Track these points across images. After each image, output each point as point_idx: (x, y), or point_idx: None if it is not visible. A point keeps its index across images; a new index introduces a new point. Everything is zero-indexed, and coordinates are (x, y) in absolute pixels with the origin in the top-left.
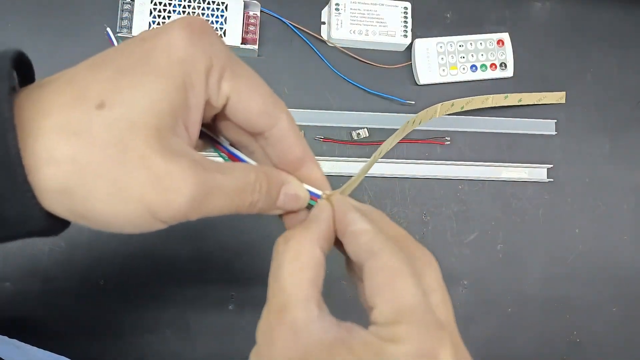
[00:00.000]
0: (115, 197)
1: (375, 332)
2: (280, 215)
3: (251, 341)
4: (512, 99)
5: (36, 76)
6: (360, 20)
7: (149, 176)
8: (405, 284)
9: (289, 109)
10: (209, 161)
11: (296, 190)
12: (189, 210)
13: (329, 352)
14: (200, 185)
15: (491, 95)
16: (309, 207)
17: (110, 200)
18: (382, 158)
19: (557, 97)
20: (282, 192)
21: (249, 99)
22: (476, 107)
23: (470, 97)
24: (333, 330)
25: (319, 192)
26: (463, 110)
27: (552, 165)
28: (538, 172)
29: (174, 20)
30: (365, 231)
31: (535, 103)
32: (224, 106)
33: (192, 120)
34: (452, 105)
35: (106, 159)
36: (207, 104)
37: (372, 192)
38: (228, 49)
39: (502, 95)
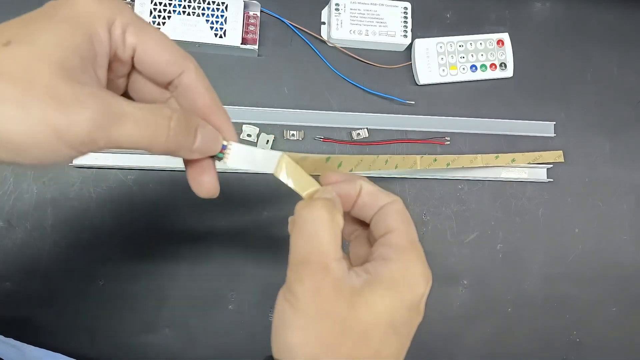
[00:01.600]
0: (22, 119)
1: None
2: (186, 168)
3: (251, 340)
4: (504, 159)
5: None
6: (360, 21)
7: (53, 99)
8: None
9: (289, 109)
10: (119, 96)
11: (212, 131)
12: (95, 133)
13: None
14: (105, 107)
15: (480, 155)
16: (214, 158)
17: (17, 122)
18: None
19: (554, 155)
20: (199, 132)
21: (154, 51)
22: (462, 166)
23: (457, 155)
24: (359, 278)
25: (226, 143)
26: (449, 167)
27: (551, 165)
28: (538, 172)
29: None
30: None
31: (531, 162)
32: (133, 60)
33: (99, 65)
34: (435, 160)
35: (14, 85)
36: (116, 57)
37: None
38: (132, 11)
39: (493, 155)
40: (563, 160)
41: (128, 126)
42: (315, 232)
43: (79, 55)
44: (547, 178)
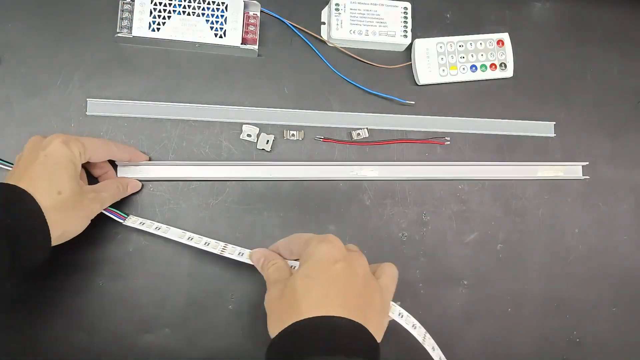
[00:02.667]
0: (82, 225)
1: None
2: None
3: (251, 341)
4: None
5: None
6: (360, 21)
7: (86, 211)
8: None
9: (289, 109)
10: (97, 188)
11: (135, 183)
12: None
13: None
14: (102, 199)
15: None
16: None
17: (79, 227)
18: (381, 160)
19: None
20: (129, 185)
21: (96, 155)
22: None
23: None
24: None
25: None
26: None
27: (587, 163)
28: (574, 170)
29: (53, 138)
30: None
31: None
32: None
33: (82, 174)
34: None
35: (71, 211)
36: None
37: (372, 192)
38: (80, 140)
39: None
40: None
41: (108, 202)
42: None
43: (77, 178)
44: (583, 175)
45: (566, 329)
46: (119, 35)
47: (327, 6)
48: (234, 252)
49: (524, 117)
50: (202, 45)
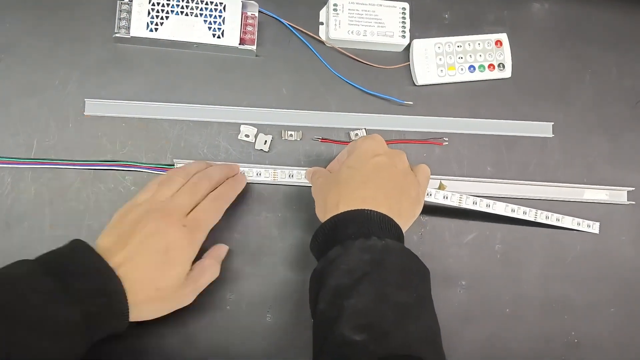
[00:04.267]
0: (161, 311)
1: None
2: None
3: (249, 341)
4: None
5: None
6: (359, 21)
7: (178, 302)
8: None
9: (288, 110)
10: (196, 278)
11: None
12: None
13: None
14: (196, 291)
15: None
16: None
17: (161, 313)
18: None
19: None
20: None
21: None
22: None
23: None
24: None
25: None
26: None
27: (633, 188)
28: (619, 194)
29: (175, 222)
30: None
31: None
32: None
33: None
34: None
35: (160, 306)
36: None
37: None
38: (204, 223)
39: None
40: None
41: (201, 289)
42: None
43: (186, 273)
44: (628, 200)
45: (564, 330)
46: (117, 35)
47: (325, 6)
48: (284, 175)
49: (522, 117)
50: (200, 45)
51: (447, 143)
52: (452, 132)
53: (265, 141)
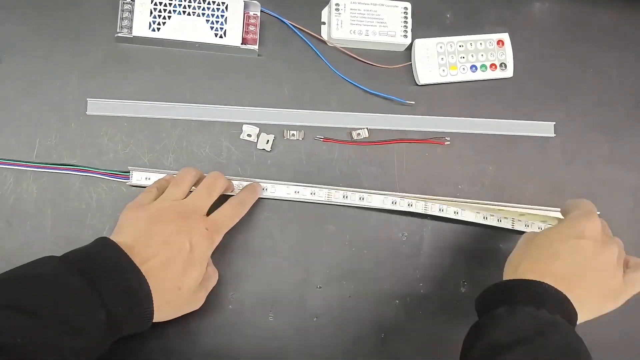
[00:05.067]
0: (176, 313)
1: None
2: None
3: (251, 341)
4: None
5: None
6: (360, 21)
7: (192, 305)
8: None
9: (289, 109)
10: (207, 285)
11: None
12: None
13: None
14: (205, 296)
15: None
16: None
17: (175, 315)
18: (381, 160)
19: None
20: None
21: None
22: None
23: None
24: None
25: None
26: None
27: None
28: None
29: (198, 225)
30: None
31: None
32: None
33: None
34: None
35: (177, 308)
36: None
37: None
38: (224, 227)
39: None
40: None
41: (210, 285)
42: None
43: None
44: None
45: None
46: (119, 35)
47: (327, 6)
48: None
49: (524, 117)
50: (202, 45)
51: (448, 142)
52: (453, 131)
53: (268, 141)
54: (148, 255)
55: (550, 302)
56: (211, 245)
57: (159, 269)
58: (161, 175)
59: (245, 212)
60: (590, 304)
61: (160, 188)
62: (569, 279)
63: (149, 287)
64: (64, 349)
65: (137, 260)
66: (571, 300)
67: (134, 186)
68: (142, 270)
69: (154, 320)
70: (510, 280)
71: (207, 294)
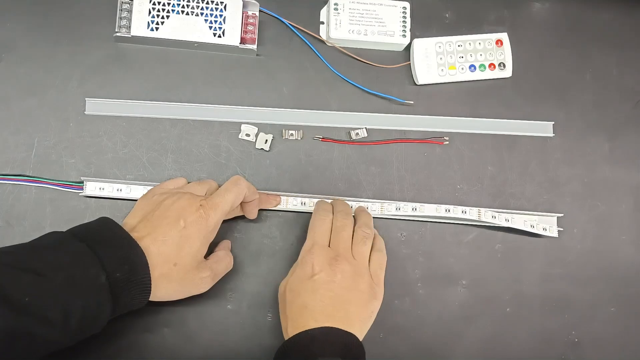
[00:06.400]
0: (178, 292)
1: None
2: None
3: (249, 340)
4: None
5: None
6: (359, 20)
7: (195, 284)
8: None
9: (288, 109)
10: (213, 266)
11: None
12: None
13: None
14: (213, 277)
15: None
16: None
17: (178, 295)
18: (380, 159)
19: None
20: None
21: (228, 216)
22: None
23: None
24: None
25: None
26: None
27: (562, 214)
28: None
29: (194, 204)
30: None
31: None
32: None
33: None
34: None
35: (178, 286)
36: None
37: (370, 192)
38: (222, 207)
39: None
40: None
41: (216, 279)
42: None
43: (202, 253)
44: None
45: (564, 329)
46: (117, 34)
47: (326, 6)
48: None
49: (523, 116)
50: (200, 44)
51: (447, 142)
52: (452, 131)
53: (266, 140)
54: (145, 231)
55: (319, 346)
56: (207, 222)
57: (153, 244)
58: (116, 185)
59: (242, 196)
60: (358, 318)
61: (184, 182)
62: (326, 316)
63: (145, 257)
64: (69, 306)
65: (137, 235)
66: (340, 327)
67: (88, 197)
68: (140, 243)
69: (156, 298)
70: (284, 343)
71: (216, 278)
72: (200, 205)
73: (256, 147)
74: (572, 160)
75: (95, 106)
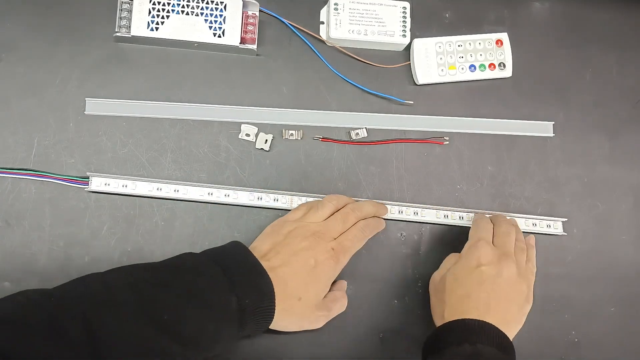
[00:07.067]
0: (295, 325)
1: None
2: None
3: (248, 340)
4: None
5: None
6: (359, 20)
7: (311, 321)
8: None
9: (288, 109)
10: (330, 306)
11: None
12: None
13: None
14: (328, 316)
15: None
16: None
17: (294, 327)
18: (380, 159)
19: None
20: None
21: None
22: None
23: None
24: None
25: None
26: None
27: (567, 219)
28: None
29: (326, 246)
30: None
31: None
32: None
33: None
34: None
35: (297, 320)
36: None
37: (370, 192)
38: (350, 250)
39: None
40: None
41: (330, 318)
42: None
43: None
44: (563, 231)
45: (564, 329)
46: (117, 34)
47: (326, 6)
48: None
49: (523, 116)
50: (200, 44)
51: (447, 142)
52: (452, 131)
53: (266, 140)
54: (276, 263)
55: (473, 335)
56: (336, 265)
57: (283, 276)
58: (120, 181)
59: (371, 236)
60: (513, 319)
61: (307, 210)
62: (487, 309)
63: (272, 287)
64: (202, 328)
65: (268, 265)
66: (495, 324)
67: (92, 192)
68: (270, 274)
69: (273, 327)
70: (439, 327)
71: (330, 317)
72: (332, 248)
73: (256, 147)
74: (572, 160)
75: (95, 106)
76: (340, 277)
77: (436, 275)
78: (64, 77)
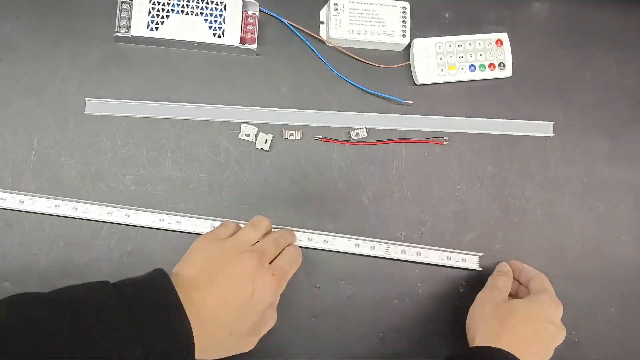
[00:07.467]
0: (223, 355)
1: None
2: None
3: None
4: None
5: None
6: (359, 20)
7: (241, 348)
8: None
9: (288, 109)
10: (260, 330)
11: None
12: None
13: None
14: (258, 338)
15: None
16: None
17: (220, 357)
18: (380, 159)
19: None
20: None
21: None
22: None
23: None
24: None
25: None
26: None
27: (482, 254)
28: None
29: (265, 273)
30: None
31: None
32: None
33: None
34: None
35: (225, 351)
36: None
37: (370, 192)
38: (287, 277)
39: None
40: None
41: (267, 329)
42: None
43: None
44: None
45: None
46: (117, 34)
47: (325, 6)
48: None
49: (523, 116)
50: (200, 44)
51: (447, 142)
52: (452, 131)
53: (266, 140)
54: (206, 292)
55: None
56: (276, 292)
57: (212, 309)
58: (17, 197)
59: (298, 265)
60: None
61: (236, 227)
62: (528, 351)
63: (190, 329)
64: None
65: (196, 295)
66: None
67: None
68: (197, 306)
69: (202, 358)
70: (468, 348)
71: (259, 338)
72: (273, 274)
73: (256, 147)
74: (572, 160)
75: (95, 106)
76: (340, 277)
77: (488, 293)
78: (64, 77)
